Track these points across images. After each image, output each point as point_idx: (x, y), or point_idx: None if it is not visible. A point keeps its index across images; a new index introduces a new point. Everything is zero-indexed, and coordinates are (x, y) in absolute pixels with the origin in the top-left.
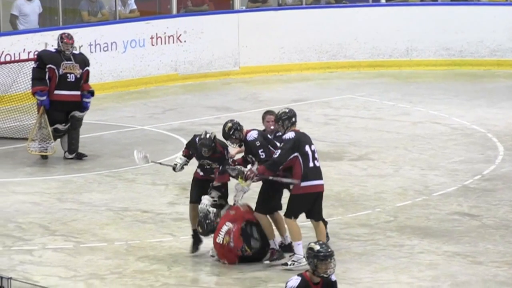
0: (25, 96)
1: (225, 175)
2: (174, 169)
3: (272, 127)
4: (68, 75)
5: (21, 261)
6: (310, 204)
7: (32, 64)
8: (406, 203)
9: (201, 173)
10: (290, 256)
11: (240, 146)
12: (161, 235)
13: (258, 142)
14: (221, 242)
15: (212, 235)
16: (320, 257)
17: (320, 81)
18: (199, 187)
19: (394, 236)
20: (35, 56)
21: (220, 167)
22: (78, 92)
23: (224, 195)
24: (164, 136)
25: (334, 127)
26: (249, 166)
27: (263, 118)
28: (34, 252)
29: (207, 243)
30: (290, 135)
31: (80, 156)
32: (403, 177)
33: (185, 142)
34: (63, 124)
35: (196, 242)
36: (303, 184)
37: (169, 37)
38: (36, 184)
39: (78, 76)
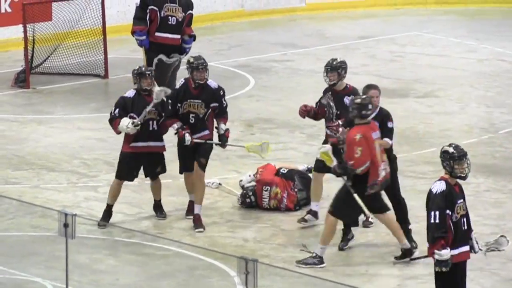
0: (91, 32)
1: None
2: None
3: (377, 104)
4: (170, 17)
5: (86, 197)
6: None
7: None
8: (471, 141)
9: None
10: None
11: None
12: (226, 172)
13: None
14: (269, 207)
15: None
16: (456, 157)
17: (386, 18)
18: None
19: None
20: None
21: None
22: (179, 36)
23: None
24: (230, 72)
25: (400, 64)
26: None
27: (364, 93)
28: (99, 189)
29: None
30: None
31: None
32: (469, 114)
33: (251, 78)
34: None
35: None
36: None
37: None
38: (102, 120)
39: (180, 19)
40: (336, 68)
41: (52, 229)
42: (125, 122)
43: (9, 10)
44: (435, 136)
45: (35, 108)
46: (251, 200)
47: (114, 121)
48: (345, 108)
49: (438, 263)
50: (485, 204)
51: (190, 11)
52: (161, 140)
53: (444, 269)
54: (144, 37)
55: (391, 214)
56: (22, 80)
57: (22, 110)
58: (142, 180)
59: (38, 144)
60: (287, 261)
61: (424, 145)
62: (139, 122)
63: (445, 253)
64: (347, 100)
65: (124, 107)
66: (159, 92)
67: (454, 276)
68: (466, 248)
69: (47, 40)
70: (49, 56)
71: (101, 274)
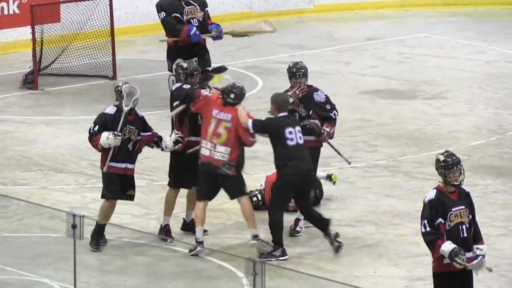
0: (99, 34)
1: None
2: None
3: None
4: (192, 20)
5: (94, 199)
6: None
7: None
8: (480, 142)
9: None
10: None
11: None
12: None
13: None
14: None
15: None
16: (448, 165)
17: (394, 20)
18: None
19: (467, 175)
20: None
21: None
22: (202, 36)
23: None
24: (238, 74)
25: (409, 66)
26: None
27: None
28: None
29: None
30: None
31: None
32: (477, 116)
33: (259, 80)
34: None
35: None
36: None
37: None
38: None
39: (201, 19)
40: (306, 74)
41: (60, 230)
42: (106, 134)
43: (17, 11)
44: (443, 137)
45: (43, 110)
46: (258, 199)
47: (94, 138)
48: (316, 104)
49: (450, 258)
50: (493, 206)
51: (207, 8)
52: (134, 162)
53: (459, 261)
54: (195, 29)
55: (244, 199)
56: (30, 81)
57: (30, 112)
58: (150, 181)
59: (46, 146)
60: (295, 262)
61: (433, 147)
62: (119, 133)
63: (447, 246)
64: (317, 96)
65: (104, 124)
66: (129, 89)
67: (451, 285)
68: (467, 255)
69: (55, 41)
70: (57, 58)
71: (109, 275)
